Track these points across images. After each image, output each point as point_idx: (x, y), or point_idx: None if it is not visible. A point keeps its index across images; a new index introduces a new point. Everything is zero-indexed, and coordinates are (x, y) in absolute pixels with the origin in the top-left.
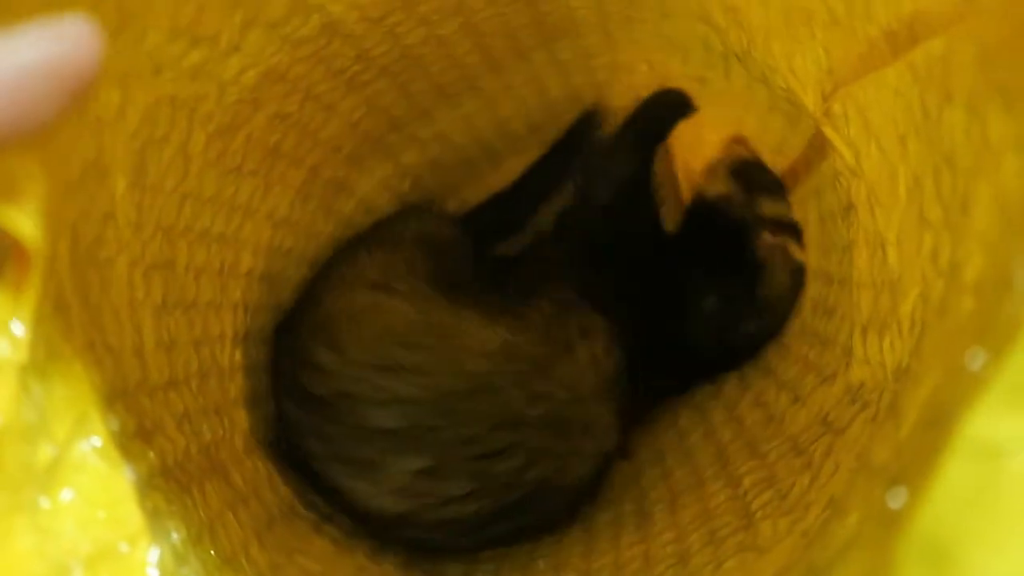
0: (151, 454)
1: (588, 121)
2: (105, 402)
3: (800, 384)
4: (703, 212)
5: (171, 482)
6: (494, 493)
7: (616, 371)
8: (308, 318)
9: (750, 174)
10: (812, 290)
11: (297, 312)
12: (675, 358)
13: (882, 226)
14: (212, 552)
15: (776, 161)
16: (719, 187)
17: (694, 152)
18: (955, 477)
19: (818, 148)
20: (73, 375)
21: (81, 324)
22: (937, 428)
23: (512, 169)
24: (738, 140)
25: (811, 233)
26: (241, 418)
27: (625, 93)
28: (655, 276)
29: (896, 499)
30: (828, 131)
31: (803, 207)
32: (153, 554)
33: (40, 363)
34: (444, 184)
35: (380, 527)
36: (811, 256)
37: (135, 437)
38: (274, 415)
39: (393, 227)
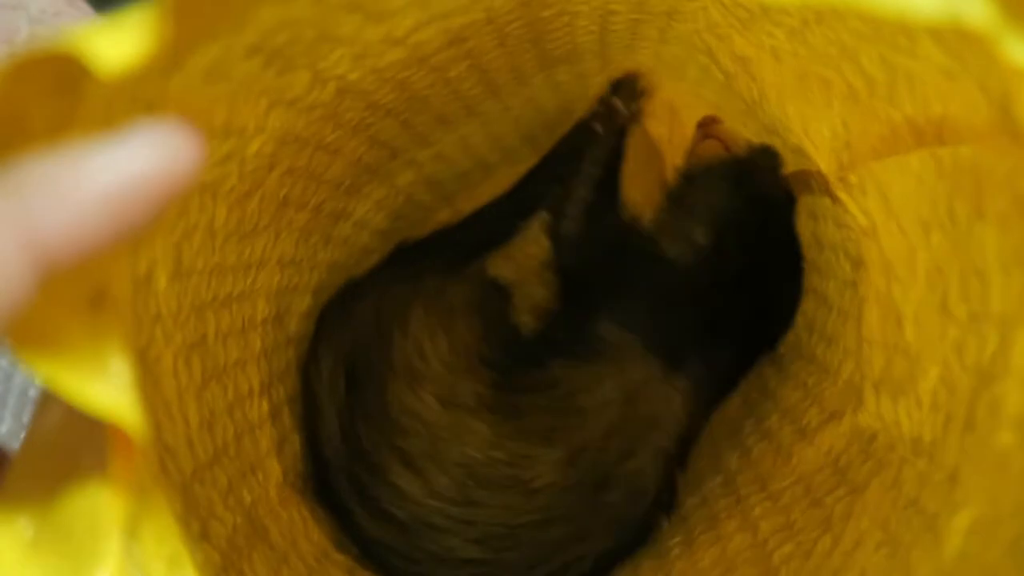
0: (213, 552)
1: (583, 131)
2: (183, 523)
3: (803, 416)
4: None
5: (232, 572)
6: None
7: (681, 442)
8: (373, 407)
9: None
10: (805, 306)
11: (343, 374)
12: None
13: (898, 298)
14: None
15: None
16: None
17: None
18: None
19: (817, 185)
20: (155, 510)
21: (151, 444)
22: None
23: (505, 177)
24: (714, 120)
25: (804, 248)
26: (273, 468)
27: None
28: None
29: None
30: (842, 195)
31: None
32: None
33: (131, 514)
34: (437, 197)
35: None
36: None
37: (200, 539)
38: (303, 454)
39: (446, 289)
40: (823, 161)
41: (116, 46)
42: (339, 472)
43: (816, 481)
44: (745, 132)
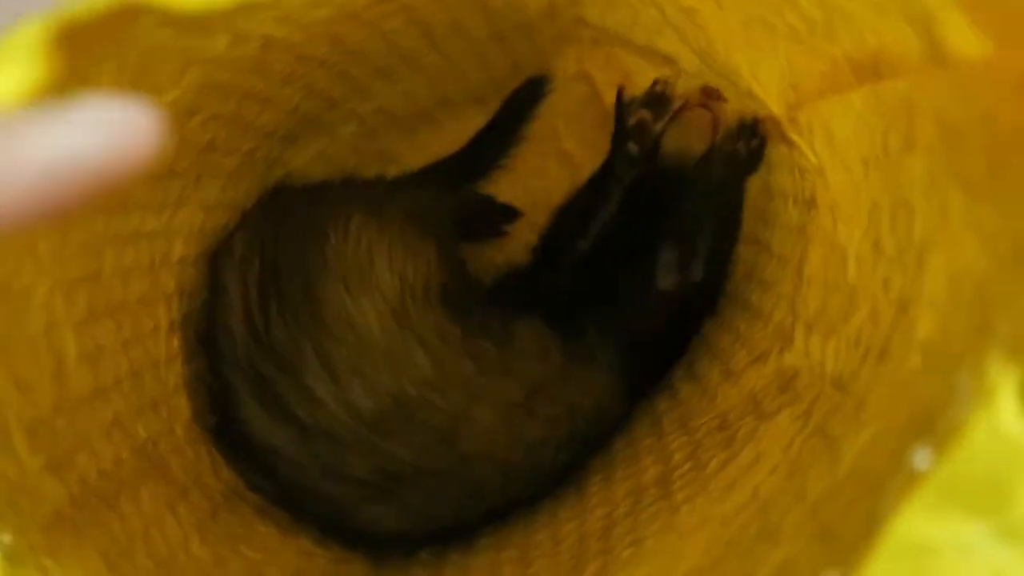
0: (58, 485)
1: (535, 85)
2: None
3: (732, 358)
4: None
5: (93, 500)
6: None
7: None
8: (296, 300)
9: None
10: (745, 254)
11: (259, 259)
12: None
13: (843, 237)
14: (147, 559)
15: None
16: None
17: None
18: (886, 571)
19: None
20: None
21: None
22: (875, 496)
23: (452, 133)
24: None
25: (751, 197)
26: (182, 406)
27: (569, 63)
28: None
29: None
30: (793, 136)
31: None
32: None
33: None
34: (382, 152)
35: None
36: (746, 221)
37: (43, 472)
38: (217, 389)
39: (386, 200)
40: (773, 103)
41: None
42: (236, 364)
43: (732, 415)
44: (700, 79)
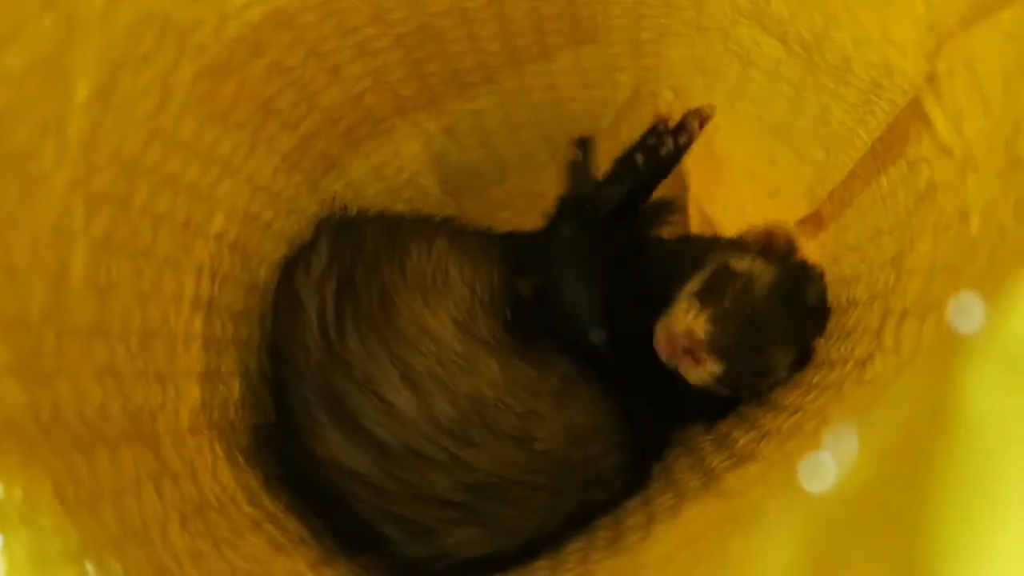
0: (23, 397)
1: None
2: None
3: (770, 425)
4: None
5: (62, 435)
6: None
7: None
8: (373, 312)
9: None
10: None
11: (336, 274)
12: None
13: (972, 195)
14: (113, 520)
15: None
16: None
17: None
18: None
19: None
20: None
21: None
22: None
23: (518, 187)
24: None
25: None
26: (191, 392)
27: (646, 119)
28: None
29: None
30: (928, 101)
31: None
32: None
33: None
34: (443, 189)
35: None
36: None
37: (6, 371)
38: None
39: (467, 234)
40: (910, 61)
41: None
42: (309, 382)
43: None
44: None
